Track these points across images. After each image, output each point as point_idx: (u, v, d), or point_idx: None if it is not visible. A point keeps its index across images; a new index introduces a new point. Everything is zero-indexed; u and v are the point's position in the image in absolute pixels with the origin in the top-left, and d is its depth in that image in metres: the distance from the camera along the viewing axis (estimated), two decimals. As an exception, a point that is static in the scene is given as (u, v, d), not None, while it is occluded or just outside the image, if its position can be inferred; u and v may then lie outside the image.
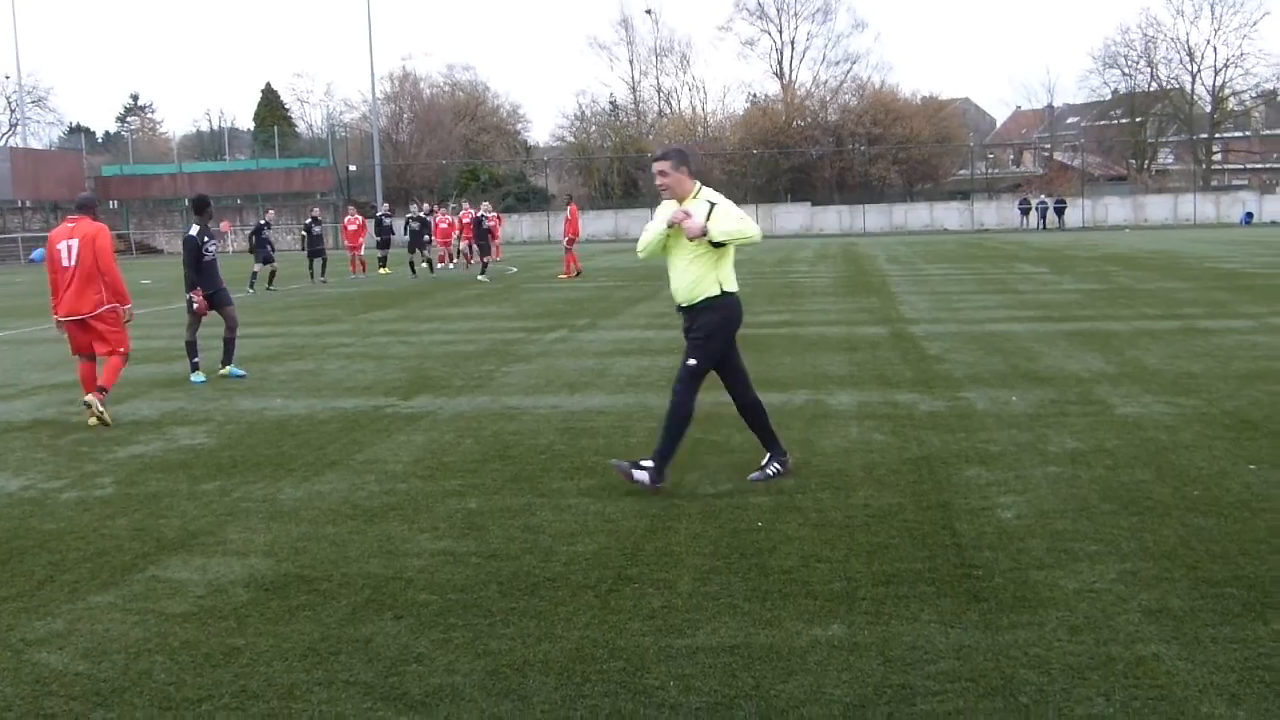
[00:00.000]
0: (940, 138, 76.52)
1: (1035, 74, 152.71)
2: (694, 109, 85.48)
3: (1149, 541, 5.59)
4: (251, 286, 27.25)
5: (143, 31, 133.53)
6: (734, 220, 6.75)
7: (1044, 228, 64.11)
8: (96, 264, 9.90)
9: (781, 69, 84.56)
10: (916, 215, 69.08)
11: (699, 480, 7.12)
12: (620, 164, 76.94)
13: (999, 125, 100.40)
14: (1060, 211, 65.56)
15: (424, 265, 32.19)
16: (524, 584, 5.27)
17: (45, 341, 17.26)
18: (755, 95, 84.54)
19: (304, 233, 32.13)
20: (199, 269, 12.35)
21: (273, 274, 27.84)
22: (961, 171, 79.98)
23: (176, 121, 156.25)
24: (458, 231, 35.71)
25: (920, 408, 9.41)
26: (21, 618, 5.06)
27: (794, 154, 74.58)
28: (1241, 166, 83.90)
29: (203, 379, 12.21)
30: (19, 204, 65.20)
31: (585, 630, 4.67)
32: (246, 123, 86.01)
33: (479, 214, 29.57)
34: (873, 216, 68.38)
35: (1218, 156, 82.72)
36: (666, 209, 6.90)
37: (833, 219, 69.09)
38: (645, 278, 27.02)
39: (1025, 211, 66.64)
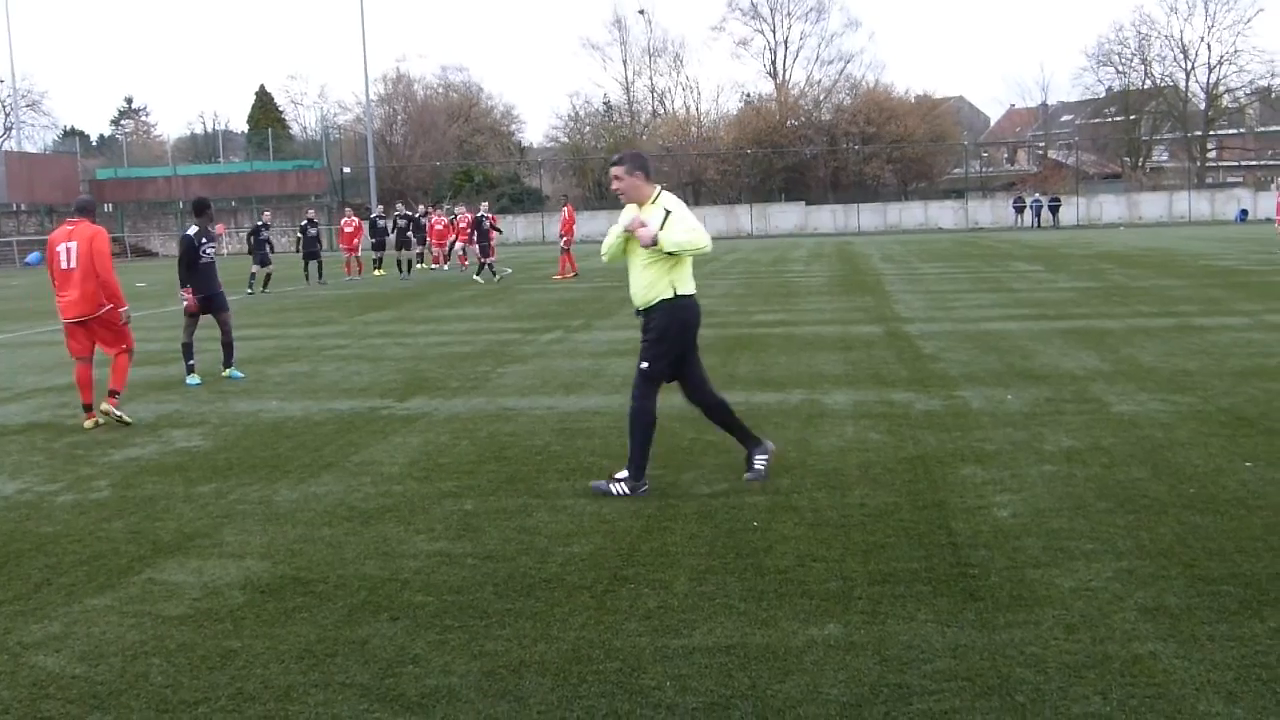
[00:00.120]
0: (934, 136, 76.57)
1: (1029, 72, 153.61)
2: (688, 109, 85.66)
3: (1145, 539, 5.60)
4: (250, 288, 27.40)
5: (136, 35, 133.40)
6: (684, 231, 6.68)
7: (1039, 226, 64.18)
8: (94, 266, 9.92)
9: (775, 68, 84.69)
10: (911, 214, 69.13)
11: (694, 480, 7.12)
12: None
13: (993, 123, 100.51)
14: (1055, 210, 65.67)
15: (409, 263, 32.95)
16: (520, 585, 5.27)
17: (40, 344, 17.24)
18: (749, 95, 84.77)
19: (299, 235, 32.19)
20: (194, 269, 12.34)
21: (268, 277, 27.85)
22: (956, 170, 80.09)
23: (171, 124, 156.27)
24: (453, 235, 35.72)
25: (916, 407, 9.41)
26: (18, 621, 5.05)
27: (788, 153, 74.62)
28: (1236, 164, 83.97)
29: (198, 381, 12.19)
30: (14, 207, 65.14)
31: (581, 631, 4.67)
32: (240, 125, 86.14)
33: (479, 214, 29.54)
34: (867, 216, 68.41)
35: (1212, 154, 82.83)
36: (629, 213, 6.91)
37: (827, 218, 69.11)
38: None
39: (1020, 210, 66.70)
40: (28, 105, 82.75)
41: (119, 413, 9.87)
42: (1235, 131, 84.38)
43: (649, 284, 6.83)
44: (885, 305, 18.76)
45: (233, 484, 7.55)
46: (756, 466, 7.08)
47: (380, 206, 42.08)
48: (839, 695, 4.00)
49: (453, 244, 35.84)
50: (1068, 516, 6.05)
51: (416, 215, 35.97)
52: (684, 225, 6.71)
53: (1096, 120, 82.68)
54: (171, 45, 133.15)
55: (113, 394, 9.96)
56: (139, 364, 13.55)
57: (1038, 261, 30.23)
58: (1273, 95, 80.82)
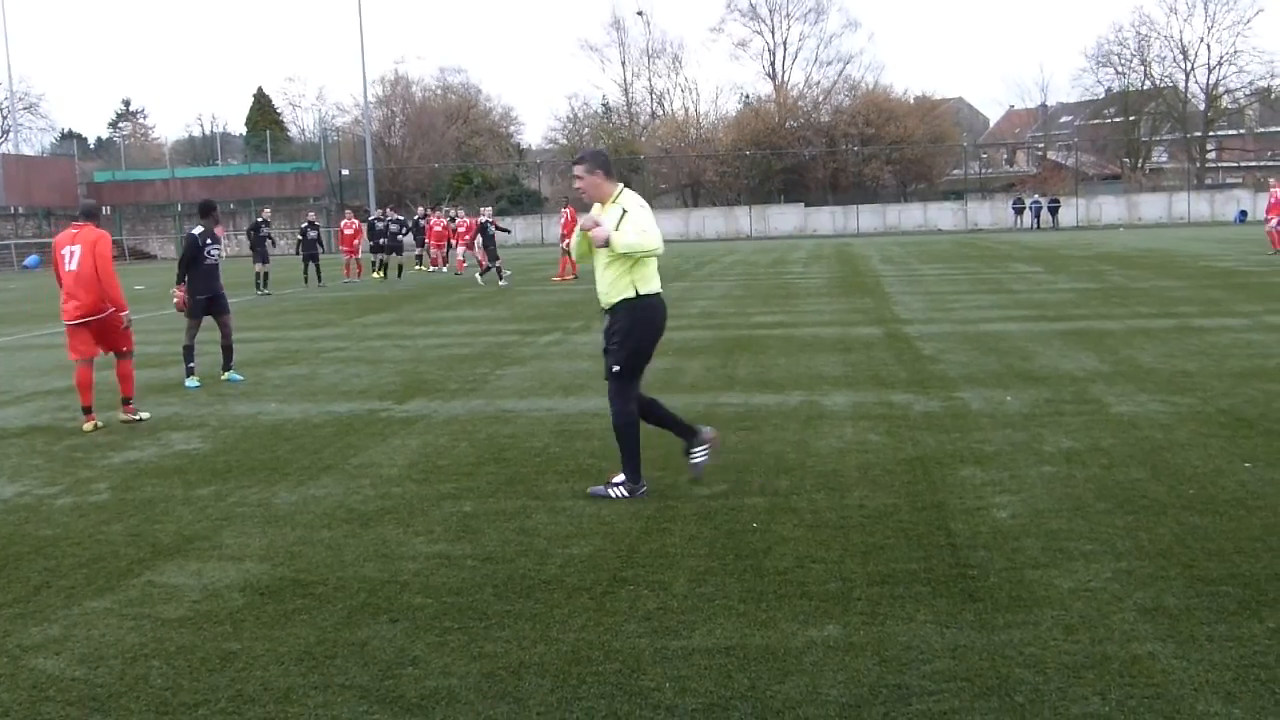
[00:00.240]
0: (934, 138, 76.57)
1: (1029, 73, 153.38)
2: (686, 110, 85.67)
3: (1144, 540, 5.60)
4: (262, 288, 27.85)
5: (134, 37, 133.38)
6: (633, 233, 6.64)
7: (1038, 227, 64.17)
8: (96, 269, 10.00)
9: (774, 70, 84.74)
10: (910, 215, 69.11)
11: (693, 482, 7.12)
12: (613, 165, 76.89)
13: (992, 125, 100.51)
14: (1054, 211, 65.65)
15: (399, 267, 33.48)
16: (519, 587, 5.27)
17: (39, 348, 17.24)
18: (748, 96, 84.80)
19: (299, 238, 32.27)
20: (195, 269, 12.34)
21: (265, 276, 27.96)
22: (955, 171, 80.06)
23: (168, 127, 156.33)
24: (450, 238, 35.71)
25: (915, 408, 9.41)
26: (18, 624, 5.06)
27: (787, 155, 74.62)
28: (1235, 165, 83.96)
29: (197, 384, 12.20)
30: (11, 210, 65.10)
31: (581, 632, 4.67)
32: (238, 127, 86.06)
33: (484, 220, 29.44)
34: (866, 217, 68.41)
35: (1212, 155, 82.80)
36: (596, 212, 6.92)
37: (826, 220, 69.10)
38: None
39: (1019, 211, 66.69)
40: (25, 108, 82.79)
41: (138, 416, 10.27)
42: (1235, 132, 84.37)
43: (610, 283, 6.82)
44: (884, 307, 18.76)
45: (232, 486, 7.55)
46: (699, 456, 7.03)
47: (379, 210, 42.10)
48: (838, 696, 4.00)
49: (451, 247, 35.85)
50: (1067, 517, 6.05)
51: (416, 217, 36.00)
52: (635, 226, 6.66)
53: (1096, 121, 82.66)
54: (169, 47, 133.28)
55: (126, 402, 10.32)
56: (139, 366, 13.51)
57: (1037, 263, 30.24)
58: (1272, 96, 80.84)
